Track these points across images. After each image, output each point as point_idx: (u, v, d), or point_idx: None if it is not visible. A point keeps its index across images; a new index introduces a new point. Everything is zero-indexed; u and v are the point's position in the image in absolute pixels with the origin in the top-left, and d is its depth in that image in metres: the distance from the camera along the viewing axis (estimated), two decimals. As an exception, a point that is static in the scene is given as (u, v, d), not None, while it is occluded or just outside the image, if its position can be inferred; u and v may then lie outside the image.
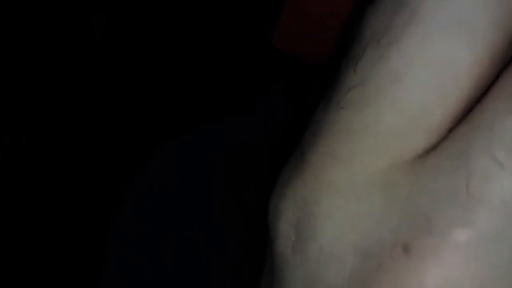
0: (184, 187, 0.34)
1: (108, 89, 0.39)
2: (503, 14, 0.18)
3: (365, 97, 0.19)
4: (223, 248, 0.33)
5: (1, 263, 0.38)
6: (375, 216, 0.19)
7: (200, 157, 0.34)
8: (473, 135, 0.18)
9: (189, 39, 0.37)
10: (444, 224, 0.18)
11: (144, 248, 0.35)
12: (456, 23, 0.18)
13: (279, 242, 0.20)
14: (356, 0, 0.23)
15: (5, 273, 0.38)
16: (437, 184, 0.18)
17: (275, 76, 0.34)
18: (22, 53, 0.38)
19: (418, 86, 0.18)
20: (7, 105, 0.38)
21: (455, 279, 0.18)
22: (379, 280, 0.18)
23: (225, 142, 0.34)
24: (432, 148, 0.19)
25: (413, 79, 0.18)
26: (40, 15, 0.38)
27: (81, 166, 0.39)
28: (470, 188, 0.18)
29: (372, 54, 0.19)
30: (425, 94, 0.18)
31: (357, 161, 0.19)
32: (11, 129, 0.38)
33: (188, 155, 0.35)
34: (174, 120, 0.37)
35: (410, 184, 0.19)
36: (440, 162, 0.18)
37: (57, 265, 0.38)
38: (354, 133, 0.19)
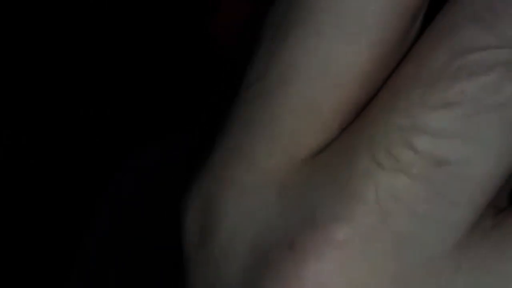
0: (155, 191, 0.34)
1: (108, 89, 0.39)
2: (393, 10, 0.18)
3: (260, 94, 0.18)
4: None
5: (1, 263, 0.39)
6: (269, 213, 0.18)
7: (170, 163, 0.34)
8: (357, 135, 0.18)
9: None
10: (326, 220, 0.17)
11: (113, 248, 0.35)
12: (345, 21, 0.18)
13: (185, 240, 0.20)
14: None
15: (5, 273, 0.39)
16: (323, 183, 0.18)
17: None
18: (22, 53, 0.39)
19: (306, 84, 0.18)
20: (7, 105, 0.39)
21: (333, 276, 0.17)
22: (267, 277, 0.18)
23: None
24: (325, 147, 0.18)
25: (301, 77, 0.18)
26: (40, 15, 0.38)
27: (81, 166, 0.40)
28: (350, 187, 0.17)
29: (266, 50, 0.18)
30: (313, 92, 0.18)
31: (256, 157, 0.19)
32: (11, 129, 0.39)
33: (160, 161, 0.35)
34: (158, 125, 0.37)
35: (302, 183, 0.18)
36: (327, 161, 0.18)
37: (56, 264, 0.39)
38: (253, 130, 0.19)
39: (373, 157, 0.17)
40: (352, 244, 0.17)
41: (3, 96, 0.39)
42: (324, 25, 0.18)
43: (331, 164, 0.18)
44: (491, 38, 0.17)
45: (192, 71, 0.38)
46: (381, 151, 0.17)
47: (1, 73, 0.39)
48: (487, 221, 0.18)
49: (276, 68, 0.18)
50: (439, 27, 0.18)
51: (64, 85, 0.39)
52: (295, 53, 0.18)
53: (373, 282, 0.17)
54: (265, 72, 0.18)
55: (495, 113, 0.17)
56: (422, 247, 0.17)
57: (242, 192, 0.19)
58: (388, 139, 0.17)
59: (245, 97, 0.19)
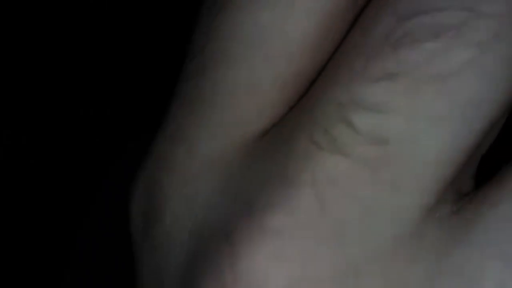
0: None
1: (108, 89, 0.39)
2: None
3: (200, 69, 0.17)
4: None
5: (1, 262, 0.38)
6: (210, 200, 0.17)
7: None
8: (300, 113, 0.17)
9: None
10: (261, 208, 0.16)
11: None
12: None
13: (132, 228, 0.19)
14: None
15: (4, 272, 0.38)
16: (263, 167, 0.17)
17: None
18: (22, 53, 0.38)
19: (245, 57, 0.17)
20: (7, 105, 0.38)
21: (268, 269, 0.16)
22: (203, 272, 0.17)
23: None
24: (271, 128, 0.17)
25: (239, 50, 0.17)
26: (39, 15, 0.38)
27: (81, 166, 0.39)
28: (287, 170, 0.16)
29: (206, 20, 0.17)
30: (253, 67, 0.17)
31: (197, 141, 0.18)
32: (11, 129, 0.39)
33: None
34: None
35: (243, 167, 0.17)
36: (269, 144, 0.17)
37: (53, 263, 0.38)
38: (195, 110, 0.18)
39: (311, 137, 0.16)
40: (288, 233, 0.16)
41: (3, 96, 0.39)
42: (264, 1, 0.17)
43: (272, 147, 0.17)
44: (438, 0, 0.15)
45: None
46: (319, 130, 0.16)
47: (1, 73, 0.39)
48: (446, 208, 0.16)
49: (215, 40, 0.17)
50: None
51: (64, 85, 0.38)
52: (233, 24, 0.17)
53: (313, 275, 0.16)
54: (204, 45, 0.17)
55: (443, 84, 0.15)
56: (367, 237, 0.16)
57: (184, 177, 0.18)
58: (327, 116, 0.16)
59: (188, 71, 0.18)
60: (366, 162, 0.16)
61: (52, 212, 0.39)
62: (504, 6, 0.15)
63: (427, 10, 0.15)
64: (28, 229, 0.39)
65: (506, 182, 0.16)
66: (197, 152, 0.18)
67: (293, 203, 0.16)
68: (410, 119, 0.15)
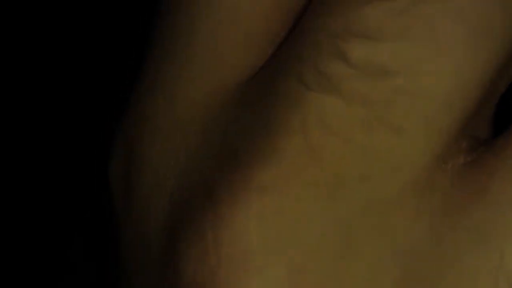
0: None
1: (108, 88, 0.38)
2: None
3: (174, 13, 0.16)
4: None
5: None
6: (192, 154, 0.16)
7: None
8: (285, 55, 0.15)
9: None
10: (246, 162, 0.14)
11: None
12: None
13: (112, 190, 0.17)
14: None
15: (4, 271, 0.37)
16: (249, 115, 0.15)
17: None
18: (22, 53, 0.37)
19: None
20: (7, 105, 0.37)
21: (251, 230, 0.14)
22: (184, 237, 0.15)
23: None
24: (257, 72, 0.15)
25: None
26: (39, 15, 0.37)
27: (82, 165, 0.38)
28: (274, 117, 0.14)
29: None
30: (232, 6, 0.15)
31: (178, 88, 0.16)
32: (11, 128, 0.37)
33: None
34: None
35: (228, 116, 0.15)
36: (254, 90, 0.15)
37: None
38: (172, 57, 0.16)
39: (300, 77, 0.14)
40: (276, 189, 0.14)
41: (2, 96, 0.38)
42: None
43: (258, 91, 0.15)
44: None
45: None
46: (309, 68, 0.14)
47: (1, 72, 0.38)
48: (459, 157, 0.14)
49: None
50: None
51: (64, 85, 0.37)
52: None
53: (302, 235, 0.14)
54: None
55: (448, 1, 0.13)
56: (364, 189, 0.14)
57: (165, 131, 0.16)
58: (316, 51, 0.14)
59: (161, 15, 0.16)
60: (363, 100, 0.14)
61: (50, 212, 0.38)
62: None
63: None
64: (25, 228, 0.38)
65: None
66: (177, 102, 0.16)
67: (281, 153, 0.14)
68: (412, 45, 0.13)
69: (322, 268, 0.14)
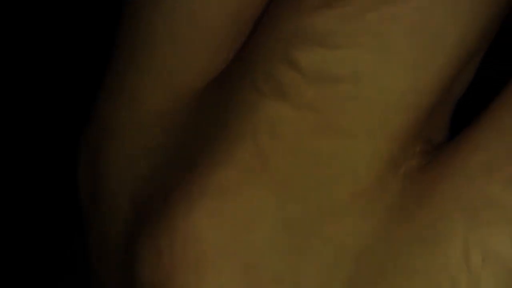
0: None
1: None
2: None
3: (136, 18, 0.16)
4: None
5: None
6: (151, 161, 0.16)
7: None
8: (243, 61, 0.15)
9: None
10: (202, 164, 0.14)
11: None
12: None
13: (80, 191, 0.17)
14: None
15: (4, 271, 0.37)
16: (207, 119, 0.15)
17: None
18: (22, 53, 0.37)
19: (184, 4, 0.15)
20: (6, 105, 0.38)
21: (205, 230, 0.14)
22: (140, 240, 0.15)
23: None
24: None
25: None
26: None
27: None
28: (229, 123, 0.14)
29: None
30: (192, 13, 0.15)
31: (140, 92, 0.16)
32: (10, 128, 0.38)
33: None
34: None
35: (188, 120, 0.15)
36: (213, 95, 0.15)
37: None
38: (135, 60, 0.16)
39: (253, 83, 0.14)
40: (229, 190, 0.14)
41: (2, 96, 0.38)
42: None
43: (217, 96, 0.15)
44: None
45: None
46: (261, 74, 0.14)
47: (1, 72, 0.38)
48: (413, 161, 0.14)
49: None
50: None
51: (63, 85, 0.37)
52: None
53: (254, 236, 0.14)
54: None
55: (395, 8, 0.13)
56: (314, 193, 0.14)
57: (128, 135, 0.16)
58: (269, 57, 0.14)
59: (125, 20, 0.16)
60: (312, 106, 0.14)
61: (48, 211, 0.38)
62: None
63: None
64: (25, 228, 0.38)
65: (475, 133, 0.14)
66: (138, 107, 0.16)
67: (235, 158, 0.14)
68: (360, 52, 0.13)
69: (275, 267, 0.14)
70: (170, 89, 0.16)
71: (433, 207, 0.14)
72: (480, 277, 0.13)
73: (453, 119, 0.16)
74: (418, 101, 0.14)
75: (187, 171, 0.15)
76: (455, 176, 0.14)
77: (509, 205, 0.13)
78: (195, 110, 0.15)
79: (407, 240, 0.14)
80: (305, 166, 0.14)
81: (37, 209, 0.38)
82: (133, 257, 0.15)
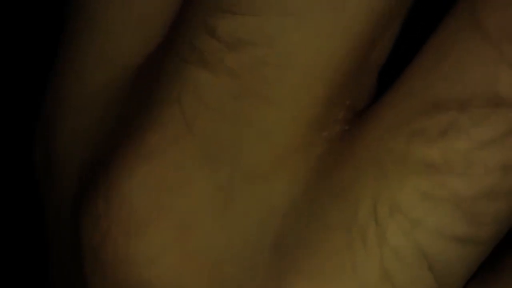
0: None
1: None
2: None
3: (83, 5, 0.17)
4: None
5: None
6: (97, 130, 0.17)
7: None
8: (170, 35, 0.16)
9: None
10: (135, 132, 0.15)
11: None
12: None
13: (36, 166, 0.18)
14: None
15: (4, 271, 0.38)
16: (143, 92, 0.16)
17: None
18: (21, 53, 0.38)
19: None
20: (6, 105, 0.38)
21: (138, 192, 0.15)
22: (82, 203, 0.16)
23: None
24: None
25: None
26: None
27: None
28: (158, 90, 0.15)
29: None
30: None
31: (85, 69, 0.17)
32: (10, 128, 0.38)
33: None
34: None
35: (128, 94, 0.16)
36: (148, 69, 0.16)
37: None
38: (81, 42, 0.17)
39: (179, 53, 0.15)
40: (157, 155, 0.15)
41: (2, 96, 0.39)
42: None
43: (150, 70, 0.16)
44: None
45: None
46: (186, 44, 0.15)
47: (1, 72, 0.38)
48: (334, 126, 0.15)
49: None
50: None
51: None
52: None
53: (184, 198, 0.15)
54: None
55: None
56: (239, 156, 0.15)
57: (75, 109, 0.17)
58: (192, 27, 0.15)
59: (72, 4, 0.17)
60: (230, 72, 0.15)
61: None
62: None
63: None
64: (24, 228, 0.39)
65: (387, 98, 0.15)
66: (85, 81, 0.17)
67: (163, 123, 0.15)
68: (271, 18, 0.14)
69: (207, 227, 0.15)
70: (110, 67, 0.17)
71: (347, 166, 0.15)
72: (387, 228, 0.14)
73: (379, 88, 0.16)
74: (332, 66, 0.15)
75: (122, 139, 0.16)
76: (368, 136, 0.15)
77: (413, 158, 0.14)
78: (133, 85, 0.16)
79: (324, 198, 0.15)
80: (229, 130, 0.15)
81: (37, 209, 0.38)
82: (78, 223, 0.16)
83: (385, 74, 0.16)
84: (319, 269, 0.14)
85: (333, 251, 0.14)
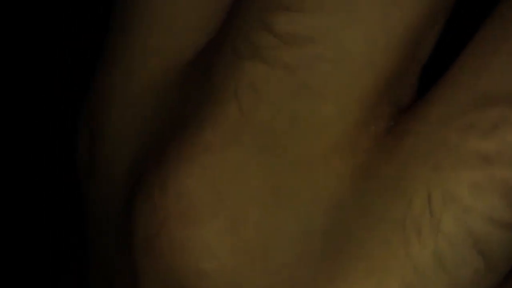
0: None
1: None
2: None
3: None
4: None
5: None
6: (148, 124, 0.17)
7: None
8: (224, 32, 0.16)
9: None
10: (190, 126, 0.16)
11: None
12: None
13: (78, 164, 0.19)
14: None
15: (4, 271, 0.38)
16: (197, 87, 0.16)
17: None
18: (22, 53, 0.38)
19: None
20: (6, 105, 0.38)
21: (195, 184, 0.16)
22: (136, 194, 0.16)
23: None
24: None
25: None
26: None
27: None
28: (213, 84, 0.16)
29: None
30: None
31: (134, 62, 0.17)
32: (9, 128, 0.38)
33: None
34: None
35: (179, 89, 0.17)
36: (200, 64, 0.17)
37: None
38: (130, 36, 0.18)
39: (234, 49, 0.16)
40: (214, 148, 0.15)
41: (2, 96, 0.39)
42: None
43: (204, 66, 0.17)
44: None
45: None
46: (241, 40, 0.15)
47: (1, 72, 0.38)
48: (382, 122, 0.16)
49: None
50: None
51: (62, 85, 0.38)
52: None
53: (239, 189, 0.15)
54: None
55: None
56: (291, 148, 0.15)
57: (122, 103, 0.17)
58: (248, 24, 0.15)
59: (117, 3, 0.18)
60: (287, 67, 0.15)
61: (48, 211, 0.39)
62: None
63: None
64: (24, 229, 0.39)
65: (435, 92, 0.16)
66: (133, 75, 0.17)
67: (219, 116, 0.16)
68: (328, 15, 0.15)
69: (257, 219, 0.15)
70: (160, 62, 0.17)
71: (398, 161, 0.15)
72: (441, 218, 0.15)
73: (422, 84, 0.17)
74: (382, 62, 0.15)
75: (177, 133, 0.16)
76: (418, 130, 0.15)
77: (465, 150, 0.15)
78: (185, 80, 0.17)
79: (374, 193, 0.15)
80: (283, 123, 0.15)
81: (37, 209, 0.38)
82: (129, 216, 0.16)
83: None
84: (373, 256, 0.15)
85: (386, 242, 0.15)
